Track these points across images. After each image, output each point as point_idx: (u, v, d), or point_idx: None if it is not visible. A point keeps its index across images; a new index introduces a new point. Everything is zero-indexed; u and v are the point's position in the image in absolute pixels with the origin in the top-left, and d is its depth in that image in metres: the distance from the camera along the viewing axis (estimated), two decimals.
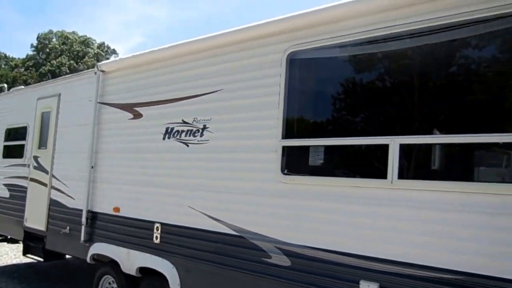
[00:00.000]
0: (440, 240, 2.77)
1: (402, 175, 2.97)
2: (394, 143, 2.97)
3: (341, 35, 3.38)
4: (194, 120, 4.34)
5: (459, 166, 2.99)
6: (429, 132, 2.98)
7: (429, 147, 2.96)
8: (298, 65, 3.67)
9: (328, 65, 3.56)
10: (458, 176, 2.85)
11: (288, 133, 3.59)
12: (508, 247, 2.53)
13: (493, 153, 2.81)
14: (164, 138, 4.61)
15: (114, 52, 49.06)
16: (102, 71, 5.56)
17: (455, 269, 2.68)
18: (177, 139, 4.48)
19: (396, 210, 2.96)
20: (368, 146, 3.18)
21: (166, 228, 4.44)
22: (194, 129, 4.32)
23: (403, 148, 2.99)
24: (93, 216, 5.33)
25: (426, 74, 3.09)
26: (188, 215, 4.23)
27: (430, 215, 2.82)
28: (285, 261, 3.44)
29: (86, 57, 44.89)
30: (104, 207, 5.23)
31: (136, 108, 5.02)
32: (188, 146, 4.36)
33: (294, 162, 3.60)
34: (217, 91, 4.17)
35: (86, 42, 47.26)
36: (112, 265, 5.00)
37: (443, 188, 2.79)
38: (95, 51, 46.38)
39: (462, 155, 2.95)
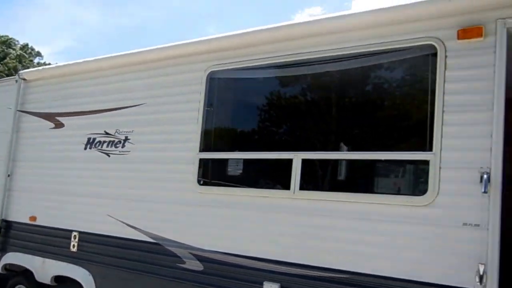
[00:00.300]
0: (335, 244, 3.15)
1: (303, 186, 3.38)
2: (297, 158, 3.36)
3: (255, 58, 3.73)
4: (116, 132, 4.47)
5: (356, 179, 3.45)
6: (335, 148, 3.43)
7: (328, 162, 3.41)
8: (217, 84, 3.99)
9: (243, 85, 3.93)
10: (353, 188, 3.32)
11: (205, 146, 3.87)
12: (399, 251, 2.95)
13: (390, 168, 3.31)
14: (85, 148, 4.68)
15: (38, 54, 46.52)
16: (24, 79, 5.49)
17: (341, 269, 3.07)
18: (98, 149, 4.57)
19: (298, 218, 3.34)
20: (275, 160, 3.56)
21: (84, 237, 4.49)
22: (116, 140, 4.45)
23: (306, 162, 3.40)
24: (7, 225, 5.20)
25: (329, 98, 3.55)
26: (106, 224, 4.33)
27: (328, 222, 3.20)
28: (198, 266, 3.68)
29: (8, 58, 42.14)
30: (19, 216, 5.14)
31: (57, 118, 5.03)
32: (109, 156, 4.48)
33: (210, 174, 3.89)
34: (140, 104, 4.35)
35: (7, 42, 44.36)
36: (25, 275, 4.92)
37: (338, 198, 3.21)
38: (18, 53, 43.69)
39: (360, 169, 3.42)
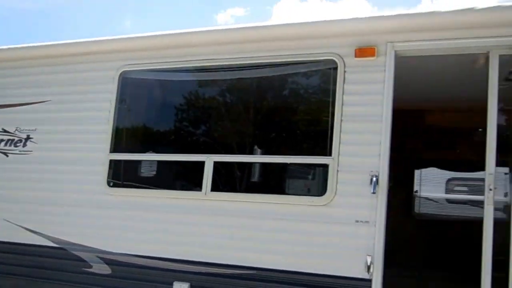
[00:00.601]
0: (244, 242, 3.32)
1: (215, 188, 3.51)
2: (209, 160, 3.48)
3: (170, 61, 3.77)
4: (16, 130, 4.18)
5: (266, 181, 3.68)
6: (248, 151, 3.61)
7: (240, 164, 3.59)
8: (129, 84, 3.95)
9: (157, 87, 3.95)
10: (263, 189, 3.54)
11: (116, 147, 3.81)
12: (302, 247, 3.19)
13: (295, 171, 3.57)
14: None
15: None
16: None
17: (251, 265, 3.25)
18: None
19: (209, 218, 3.46)
20: (188, 162, 3.64)
21: None
22: (16, 138, 4.16)
23: (218, 164, 3.54)
24: None
25: (242, 103, 3.73)
26: (3, 229, 4.03)
27: (239, 222, 3.35)
28: (105, 270, 3.61)
29: None
30: None
31: None
32: (7, 156, 4.17)
33: (120, 175, 3.84)
34: (44, 101, 4.13)
35: None
36: None
37: (249, 199, 3.40)
38: None
39: (270, 172, 3.65)
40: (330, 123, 3.23)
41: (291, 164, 3.49)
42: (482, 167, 2.94)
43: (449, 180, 5.21)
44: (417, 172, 5.29)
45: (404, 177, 5.31)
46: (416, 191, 5.31)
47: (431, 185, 4.91)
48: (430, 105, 4.20)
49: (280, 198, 3.35)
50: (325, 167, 3.21)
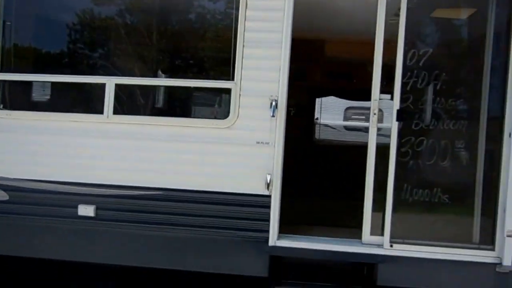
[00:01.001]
0: (150, 164, 3.38)
1: (118, 111, 3.45)
2: (110, 82, 3.39)
3: None
4: None
5: (171, 104, 3.69)
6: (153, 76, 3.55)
7: (146, 88, 3.55)
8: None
9: (48, 3, 3.62)
10: (168, 113, 3.58)
11: (5, 66, 3.52)
12: (208, 167, 3.35)
13: (201, 95, 3.61)
14: None
15: None
16: None
17: (158, 186, 3.37)
18: None
19: (112, 142, 3.43)
20: (88, 85, 3.51)
21: None
22: None
23: (121, 88, 3.46)
24: None
25: (148, 24, 3.59)
26: None
27: (143, 144, 3.38)
28: (2, 196, 3.49)
29: None
30: None
31: None
32: None
33: (13, 97, 3.59)
34: None
35: None
36: None
37: (153, 122, 3.42)
38: None
39: (175, 96, 3.65)
40: (232, 48, 3.29)
41: (196, 88, 3.53)
42: None
43: (347, 108, 5.65)
44: (318, 101, 5.66)
45: (306, 105, 5.66)
46: (317, 119, 5.71)
47: (331, 113, 5.30)
48: (330, 37, 4.42)
49: (185, 121, 3.43)
50: (228, 91, 3.32)
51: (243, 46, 3.25)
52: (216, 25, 3.53)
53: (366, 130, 3.37)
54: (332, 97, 5.21)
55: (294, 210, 3.97)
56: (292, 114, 5.48)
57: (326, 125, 5.60)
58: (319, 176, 4.83)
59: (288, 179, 4.30)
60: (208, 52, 3.58)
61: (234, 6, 3.26)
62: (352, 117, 3.48)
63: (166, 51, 3.63)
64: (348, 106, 3.66)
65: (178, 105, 3.74)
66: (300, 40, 4.63)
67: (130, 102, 3.62)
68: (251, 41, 3.24)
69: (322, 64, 5.23)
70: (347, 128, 3.47)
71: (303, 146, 5.58)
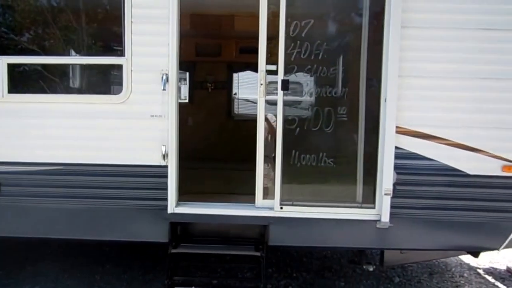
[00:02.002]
0: (47, 141, 3.48)
1: (13, 90, 3.50)
2: (2, 62, 3.42)
3: None
4: None
5: (67, 82, 3.75)
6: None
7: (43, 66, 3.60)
8: None
9: None
10: (64, 90, 3.67)
11: None
12: (105, 141, 3.47)
13: (95, 71, 3.70)
14: None
15: None
16: None
17: (60, 162, 3.49)
18: None
19: (11, 120, 3.49)
20: None
21: None
22: None
23: (16, 67, 3.50)
24: None
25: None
26: None
27: (39, 122, 3.47)
28: None
29: None
30: None
31: None
32: None
33: None
34: None
35: None
36: None
37: (48, 100, 3.50)
38: None
39: (70, 73, 3.71)
40: (122, 25, 3.38)
41: (90, 65, 3.62)
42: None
43: (269, 83, 5.75)
44: (235, 76, 5.80)
45: (225, 81, 5.81)
46: (235, 94, 5.87)
47: (249, 88, 5.46)
48: (237, 11, 4.54)
49: (80, 98, 3.53)
50: (120, 67, 3.42)
51: (132, 22, 3.34)
52: (105, 1, 3.59)
53: (286, 103, 3.55)
54: (249, 71, 5.38)
55: (201, 181, 4.19)
56: (210, 90, 5.66)
57: (247, 100, 5.78)
58: (232, 148, 5.03)
59: (202, 151, 4.47)
60: (100, 29, 3.65)
61: None
62: (273, 91, 3.63)
63: (64, 29, 3.67)
64: (269, 81, 3.79)
65: (77, 82, 3.81)
66: (211, 15, 4.77)
67: (29, 81, 3.67)
68: (139, 17, 3.34)
69: (236, 39, 5.38)
70: (269, 102, 3.62)
71: (221, 121, 5.78)
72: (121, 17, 3.35)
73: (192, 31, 4.79)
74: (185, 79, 5.72)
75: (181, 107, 3.63)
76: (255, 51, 3.46)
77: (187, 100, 5.87)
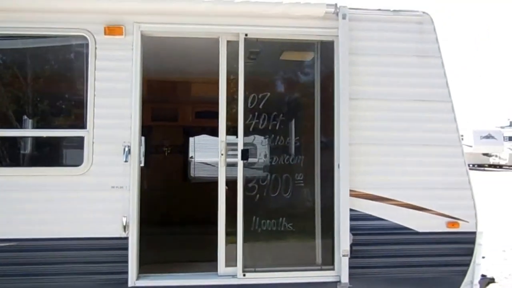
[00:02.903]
0: (6, 216, 3.32)
1: None
2: None
3: None
4: None
5: (29, 154, 3.66)
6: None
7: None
8: None
9: None
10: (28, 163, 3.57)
11: None
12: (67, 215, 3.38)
13: (56, 144, 3.64)
14: None
15: None
16: None
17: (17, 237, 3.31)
18: None
19: None
20: None
21: None
22: None
23: None
24: None
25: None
26: None
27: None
28: None
29: None
30: None
31: None
32: None
33: None
34: None
35: None
36: None
37: (13, 173, 3.41)
38: None
39: (34, 146, 3.63)
40: (84, 97, 3.42)
41: (51, 137, 3.58)
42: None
43: None
44: (191, 140, 5.93)
45: (182, 145, 5.90)
46: (191, 157, 5.96)
47: (205, 150, 5.58)
48: (193, 78, 4.75)
49: (40, 170, 3.44)
50: (81, 139, 3.42)
51: (94, 95, 3.40)
52: (68, 74, 3.63)
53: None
54: (204, 135, 5.53)
55: (161, 248, 4.13)
56: (167, 154, 5.72)
57: (203, 163, 5.89)
58: (190, 211, 5.04)
59: (160, 216, 4.43)
60: (61, 101, 3.66)
61: (85, 57, 3.42)
62: (229, 153, 3.74)
63: (20, 101, 3.64)
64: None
65: (37, 153, 3.73)
66: (168, 82, 4.92)
67: None
68: (101, 90, 3.41)
69: (192, 104, 5.55)
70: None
71: (177, 184, 5.80)
72: (84, 90, 3.41)
73: (149, 96, 4.90)
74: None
75: None
76: (211, 115, 3.62)
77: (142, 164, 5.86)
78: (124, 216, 3.39)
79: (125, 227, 3.40)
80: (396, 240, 3.69)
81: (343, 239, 3.56)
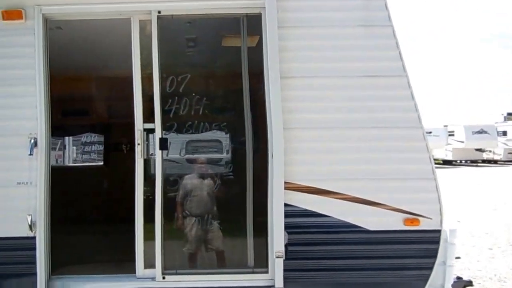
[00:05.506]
0: None
1: None
2: None
3: None
4: None
5: None
6: None
7: None
8: None
9: None
10: None
11: None
12: None
13: None
14: None
15: None
16: None
17: None
18: None
19: None
20: None
21: None
22: None
23: None
24: None
25: None
26: None
27: None
28: None
29: None
30: None
31: None
32: None
33: None
34: None
35: None
36: None
37: None
38: None
39: None
40: None
41: None
42: None
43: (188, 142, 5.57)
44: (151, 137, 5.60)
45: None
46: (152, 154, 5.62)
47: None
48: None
49: None
50: None
51: None
52: None
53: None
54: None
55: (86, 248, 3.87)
56: (126, 151, 5.44)
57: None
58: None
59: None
60: None
61: None
62: (199, 150, 3.42)
63: None
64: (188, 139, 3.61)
65: None
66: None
67: None
68: (3, 79, 3.17)
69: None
70: (189, 161, 3.43)
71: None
72: None
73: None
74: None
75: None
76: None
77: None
78: (29, 215, 3.13)
79: (31, 226, 3.13)
80: (341, 240, 3.18)
81: (277, 239, 3.10)
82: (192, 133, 3.33)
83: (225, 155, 3.34)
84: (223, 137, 3.35)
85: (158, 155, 3.21)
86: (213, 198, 3.30)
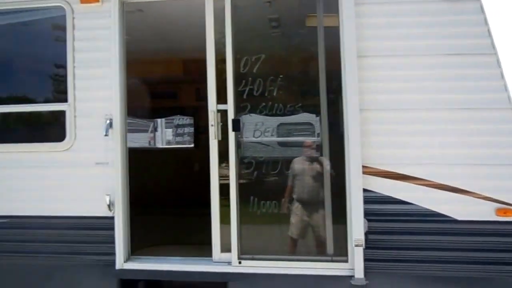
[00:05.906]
0: None
1: None
2: None
3: None
4: None
5: (8, 131, 3.58)
6: None
7: None
8: None
9: None
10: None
11: None
12: (50, 192, 3.27)
13: (39, 119, 3.50)
14: None
15: None
16: None
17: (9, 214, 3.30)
18: None
19: None
20: None
21: None
22: None
23: None
24: None
25: None
26: None
27: None
28: None
29: None
30: None
31: None
32: None
33: None
34: None
35: None
36: None
37: None
38: None
39: (13, 122, 3.56)
40: (65, 69, 3.25)
41: (32, 112, 3.45)
42: None
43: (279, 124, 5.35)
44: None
45: None
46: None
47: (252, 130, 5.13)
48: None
49: (21, 147, 3.33)
50: (63, 113, 3.26)
51: (74, 66, 3.22)
52: (47, 47, 3.47)
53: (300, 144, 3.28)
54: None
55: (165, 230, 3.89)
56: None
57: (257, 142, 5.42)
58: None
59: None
60: (41, 74, 3.49)
61: (64, 28, 3.24)
62: (292, 133, 3.34)
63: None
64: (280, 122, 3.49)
65: (16, 129, 3.61)
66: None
67: None
68: (81, 61, 3.21)
69: None
70: (281, 144, 3.35)
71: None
72: (65, 62, 3.24)
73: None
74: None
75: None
76: None
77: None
78: (108, 195, 3.18)
79: (109, 206, 3.18)
80: (426, 230, 2.96)
81: (356, 226, 2.95)
82: (265, 114, 3.21)
83: (316, 138, 3.20)
84: (314, 120, 3.21)
85: (231, 137, 3.14)
86: (320, 182, 3.19)
